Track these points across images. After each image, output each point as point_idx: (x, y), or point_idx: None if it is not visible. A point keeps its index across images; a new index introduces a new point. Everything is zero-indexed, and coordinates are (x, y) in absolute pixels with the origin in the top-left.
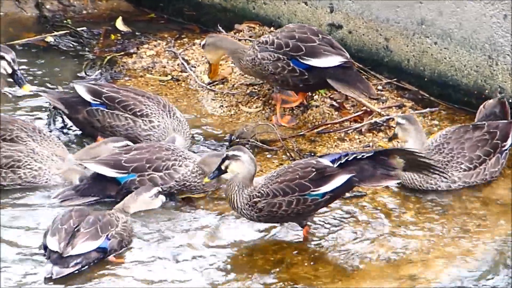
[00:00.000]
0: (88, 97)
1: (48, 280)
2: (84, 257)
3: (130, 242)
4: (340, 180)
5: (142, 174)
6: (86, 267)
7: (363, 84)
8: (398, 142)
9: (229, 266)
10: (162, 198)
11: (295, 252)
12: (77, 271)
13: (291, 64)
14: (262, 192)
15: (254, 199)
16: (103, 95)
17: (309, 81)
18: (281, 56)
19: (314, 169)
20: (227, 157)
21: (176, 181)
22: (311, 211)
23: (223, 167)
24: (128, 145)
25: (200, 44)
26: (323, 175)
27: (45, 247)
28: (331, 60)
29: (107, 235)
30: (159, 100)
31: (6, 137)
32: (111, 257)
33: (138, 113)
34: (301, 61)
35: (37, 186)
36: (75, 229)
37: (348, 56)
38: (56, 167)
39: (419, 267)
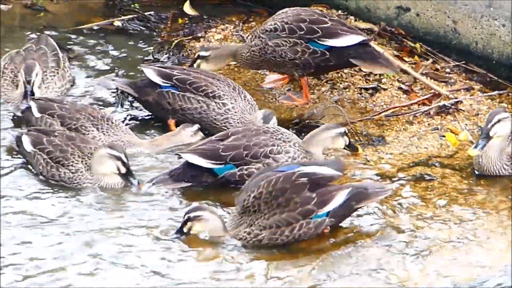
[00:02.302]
0: (158, 80)
1: None
2: None
3: None
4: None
5: (239, 164)
6: None
7: (385, 59)
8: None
9: None
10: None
11: (365, 236)
12: None
13: (311, 47)
14: (262, 226)
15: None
16: (174, 77)
17: (330, 61)
18: (297, 40)
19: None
20: (189, 219)
21: None
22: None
23: (185, 230)
24: (199, 129)
25: (200, 56)
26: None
27: None
28: (351, 39)
29: None
30: (229, 83)
31: (72, 126)
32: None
33: (211, 95)
34: (320, 42)
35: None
36: None
37: (365, 35)
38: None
39: (488, 252)
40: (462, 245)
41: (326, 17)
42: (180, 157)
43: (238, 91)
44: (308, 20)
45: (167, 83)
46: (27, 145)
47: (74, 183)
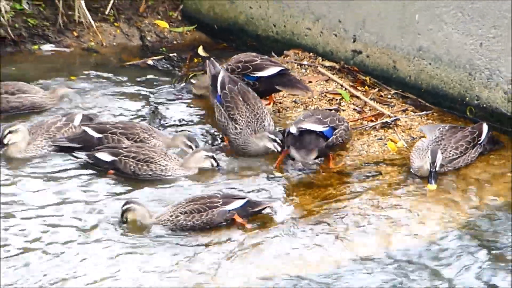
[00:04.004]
0: (218, 89)
1: None
2: None
3: None
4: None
5: (334, 126)
6: None
7: (302, 84)
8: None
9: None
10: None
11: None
12: None
13: (245, 79)
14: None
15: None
16: (223, 91)
17: (259, 88)
18: (236, 76)
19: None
20: (123, 211)
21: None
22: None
23: (124, 219)
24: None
25: (191, 83)
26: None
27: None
28: (272, 70)
29: None
30: (254, 108)
31: (136, 139)
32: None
33: (231, 117)
34: (251, 75)
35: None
36: None
37: (285, 66)
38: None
39: (420, 226)
40: (401, 221)
41: (258, 57)
42: (293, 132)
43: (258, 117)
44: (243, 60)
45: (219, 93)
46: (107, 157)
47: (163, 174)
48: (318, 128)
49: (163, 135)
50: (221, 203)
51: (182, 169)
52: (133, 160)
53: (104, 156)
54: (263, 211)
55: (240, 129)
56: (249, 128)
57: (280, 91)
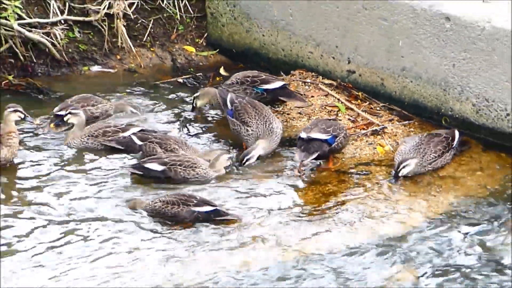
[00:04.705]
0: (228, 104)
1: None
2: None
3: None
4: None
5: (336, 135)
6: None
7: (298, 96)
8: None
9: None
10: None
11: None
12: None
13: (255, 90)
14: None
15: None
16: (233, 105)
17: (266, 98)
18: (246, 87)
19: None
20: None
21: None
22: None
23: (129, 208)
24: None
25: (195, 95)
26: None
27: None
28: (276, 84)
29: None
30: (262, 112)
31: (168, 148)
32: None
33: (243, 120)
34: (259, 87)
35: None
36: None
37: (285, 81)
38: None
39: (403, 216)
40: (388, 212)
41: (262, 73)
42: (303, 137)
43: (266, 119)
44: (251, 75)
45: (230, 108)
46: (157, 167)
47: (206, 177)
48: (323, 136)
49: (192, 148)
50: (194, 203)
51: (215, 171)
52: (181, 167)
53: (155, 166)
54: (225, 220)
55: (252, 130)
56: (259, 130)
57: (283, 101)
